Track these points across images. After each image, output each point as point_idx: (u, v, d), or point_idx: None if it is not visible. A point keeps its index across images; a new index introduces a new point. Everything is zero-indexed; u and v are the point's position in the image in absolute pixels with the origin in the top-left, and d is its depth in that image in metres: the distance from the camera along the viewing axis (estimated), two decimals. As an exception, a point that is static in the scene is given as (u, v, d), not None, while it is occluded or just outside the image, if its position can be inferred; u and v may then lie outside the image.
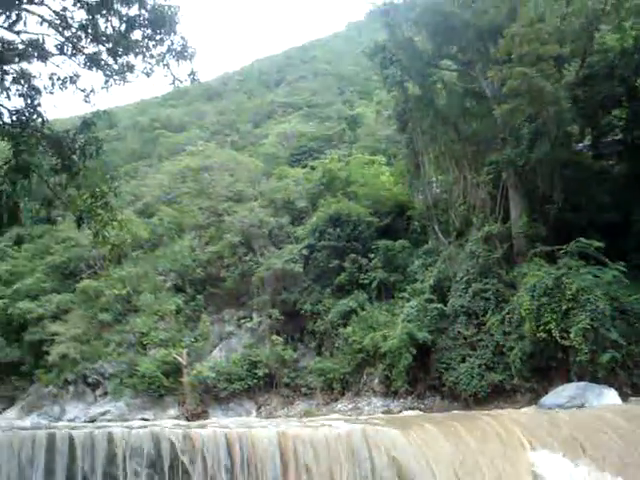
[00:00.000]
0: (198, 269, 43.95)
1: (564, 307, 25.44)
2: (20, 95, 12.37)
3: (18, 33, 12.35)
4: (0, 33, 12.14)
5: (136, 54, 13.03)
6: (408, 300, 33.59)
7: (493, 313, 29.62)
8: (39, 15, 12.40)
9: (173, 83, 13.41)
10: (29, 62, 12.53)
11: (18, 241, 53.37)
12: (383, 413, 30.35)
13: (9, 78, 12.27)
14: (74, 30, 12.71)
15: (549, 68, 28.10)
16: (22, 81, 12.34)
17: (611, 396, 23.13)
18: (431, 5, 33.20)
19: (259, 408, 35.93)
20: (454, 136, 35.44)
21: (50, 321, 43.70)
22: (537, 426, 18.92)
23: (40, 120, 12.32)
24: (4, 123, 12.00)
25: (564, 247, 27.55)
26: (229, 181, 49.43)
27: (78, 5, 12.45)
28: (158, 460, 16.25)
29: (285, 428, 18.26)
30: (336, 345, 35.85)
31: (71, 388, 40.81)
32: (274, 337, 37.50)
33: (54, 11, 12.50)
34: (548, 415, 20.83)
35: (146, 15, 12.67)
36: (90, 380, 40.55)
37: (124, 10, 12.63)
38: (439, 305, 31.66)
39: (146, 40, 12.99)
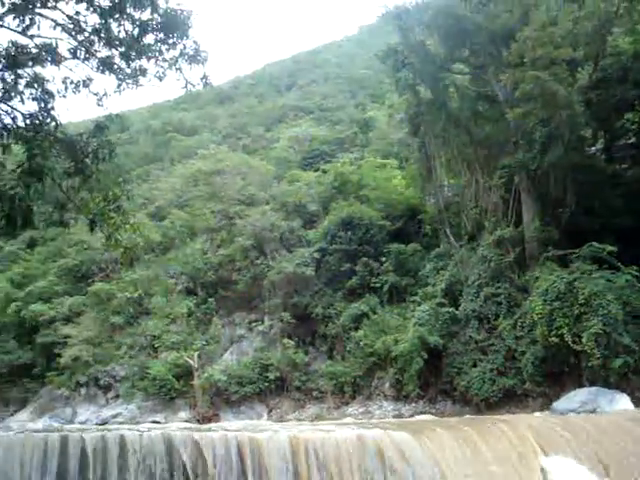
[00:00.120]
0: (210, 272, 44.05)
1: (576, 312, 25.29)
2: (34, 99, 12.42)
3: (32, 37, 12.40)
4: (14, 37, 12.21)
5: (149, 58, 13.05)
6: (419, 304, 33.54)
7: (505, 317, 29.52)
8: (52, 19, 12.45)
9: (185, 87, 13.43)
10: (42, 66, 12.58)
11: (31, 244, 53.90)
12: (394, 417, 30.31)
13: (23, 82, 12.31)
14: (87, 34, 12.75)
15: (562, 72, 27.98)
16: (36, 85, 12.38)
17: (623, 401, 23.01)
18: (443, 8, 33.15)
19: (270, 411, 35.94)
20: (466, 140, 35.34)
21: (62, 324, 43.96)
22: (549, 431, 18.83)
23: (54, 124, 12.36)
24: (18, 127, 12.04)
25: (576, 251, 27.44)
26: (241, 185, 49.51)
27: (91, 9, 12.49)
28: (170, 463, 16.28)
29: (297, 432, 18.23)
30: (347, 349, 35.81)
31: (83, 390, 41.00)
32: (285, 340, 37.50)
33: (67, 15, 12.54)
34: (561, 420, 20.73)
35: (159, 19, 12.69)
36: (102, 383, 40.71)
37: (137, 14, 12.65)
38: (450, 309, 31.61)
39: (159, 44, 13.02)
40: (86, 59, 12.94)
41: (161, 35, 12.84)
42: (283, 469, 16.25)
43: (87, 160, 12.54)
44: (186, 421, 34.45)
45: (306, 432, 18.50)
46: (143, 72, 13.21)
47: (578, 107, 28.28)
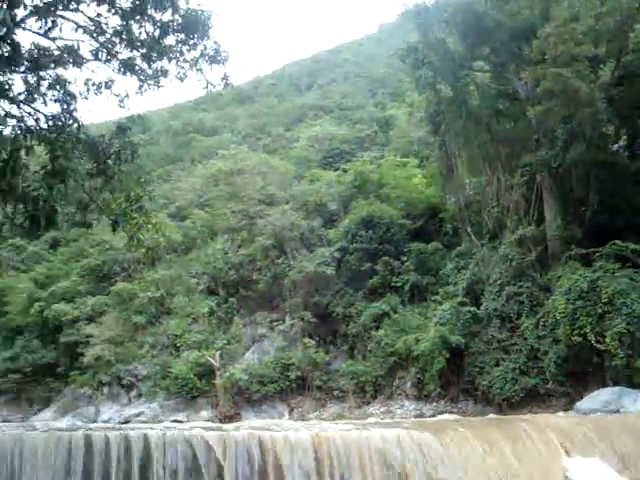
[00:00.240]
0: (231, 272, 44.19)
1: (599, 311, 25.10)
2: (56, 101, 12.51)
3: (53, 39, 12.49)
4: (36, 39, 12.31)
5: (170, 59, 13.12)
6: (441, 303, 33.47)
7: (527, 317, 29.34)
8: (74, 21, 12.53)
9: (206, 87, 13.49)
10: (65, 68, 12.67)
11: (54, 244, 54.43)
12: (415, 417, 30.24)
13: (45, 84, 12.41)
14: (108, 36, 12.83)
15: (584, 68, 27.73)
16: (58, 87, 12.48)
17: (647, 401, 22.77)
18: (463, 6, 32.95)
19: (291, 410, 36.01)
20: (487, 138, 35.11)
21: (85, 323, 44.32)
22: (573, 431, 18.68)
23: (76, 125, 12.44)
24: (41, 128, 12.13)
25: (599, 250, 27.19)
26: (261, 184, 49.60)
27: (112, 11, 12.57)
28: (193, 462, 16.34)
29: (319, 431, 18.22)
30: (368, 348, 35.78)
31: (105, 390, 41.32)
32: (306, 340, 37.53)
33: (89, 17, 12.63)
34: (584, 420, 20.57)
35: (179, 20, 12.75)
36: (124, 382, 41.00)
37: (158, 15, 12.71)
38: (472, 308, 31.50)
39: (179, 45, 13.08)
40: (107, 61, 13.02)
41: (182, 36, 12.91)
42: (304, 469, 16.25)
43: (109, 161, 12.63)
44: (208, 420, 34.58)
45: (328, 431, 18.47)
46: (164, 73, 13.28)
47: (600, 104, 27.98)
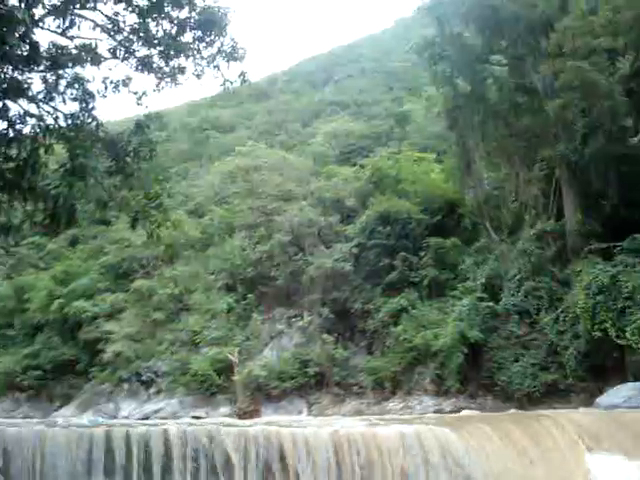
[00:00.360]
0: (249, 268, 44.24)
1: (620, 305, 24.96)
2: (74, 99, 12.59)
3: (72, 38, 12.58)
4: (54, 38, 12.39)
5: (187, 56, 13.17)
6: (459, 299, 33.31)
7: (547, 312, 29.20)
8: (92, 20, 12.62)
9: (224, 84, 13.52)
10: (83, 66, 12.76)
11: (73, 242, 54.78)
12: (435, 412, 30.12)
13: (64, 83, 12.50)
14: (126, 34, 12.90)
15: (602, 61, 27.56)
16: (76, 85, 12.56)
17: (669, 396, 22.56)
18: (480, -1, 32.80)
19: (310, 407, 35.99)
20: (505, 132, 34.88)
21: (104, 320, 44.57)
22: (594, 427, 18.52)
23: (95, 123, 12.53)
24: (60, 127, 12.22)
25: (619, 244, 26.97)
26: (278, 181, 49.56)
27: (130, 9, 12.64)
28: (212, 458, 16.40)
29: (338, 427, 18.22)
30: (387, 344, 35.69)
31: (125, 386, 41.53)
32: (325, 336, 37.49)
33: (106, 16, 12.70)
34: (605, 416, 20.40)
35: (196, 17, 12.79)
36: (144, 378, 41.19)
37: (175, 13, 12.77)
38: (491, 304, 31.34)
39: (197, 42, 13.13)
40: (125, 59, 13.10)
41: (199, 33, 12.96)
42: (325, 464, 16.25)
43: (128, 159, 12.71)
44: (227, 416, 34.66)
45: (348, 428, 18.46)
46: (182, 70, 13.34)
47: (619, 97, 27.78)
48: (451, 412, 29.58)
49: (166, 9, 12.62)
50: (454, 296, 34.52)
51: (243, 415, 34.49)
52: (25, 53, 11.27)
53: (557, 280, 29.90)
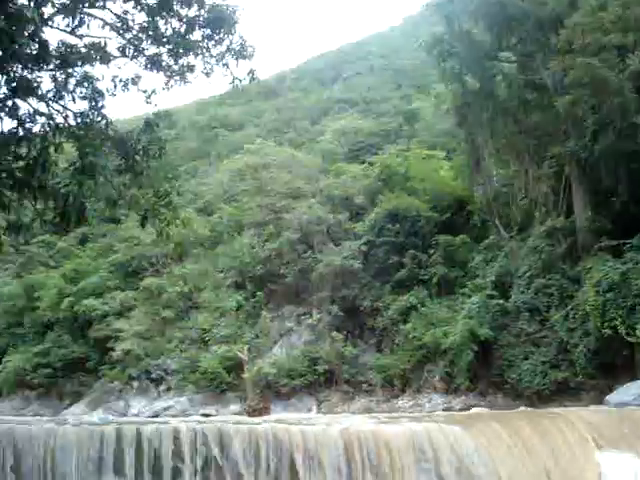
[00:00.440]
0: (258, 266, 44.25)
1: (630, 303, 24.91)
2: (84, 98, 12.60)
3: (81, 37, 12.60)
4: (63, 37, 12.42)
5: (196, 54, 13.17)
6: (469, 296, 33.25)
7: (557, 309, 29.11)
8: (101, 19, 12.63)
9: (233, 82, 13.51)
10: (92, 65, 12.77)
11: (83, 240, 54.87)
12: (444, 410, 30.11)
13: (73, 81, 12.51)
14: (135, 32, 12.91)
15: (612, 58, 27.40)
16: (86, 84, 12.57)
17: (680, 394, 22.47)
18: (489, -5, 32.66)
19: (319, 404, 36.00)
20: (514, 129, 34.76)
21: (114, 318, 44.68)
22: (605, 425, 18.47)
23: (104, 122, 12.54)
24: (70, 125, 12.24)
25: (630, 241, 26.86)
26: (287, 178, 49.52)
27: (138, 8, 12.64)
28: (221, 456, 16.43)
29: (349, 425, 18.23)
30: (396, 341, 35.70)
31: (135, 384, 41.62)
32: (334, 333, 37.48)
33: (115, 14, 12.72)
34: (615, 413, 20.33)
35: (205, 15, 12.79)
36: (154, 376, 41.26)
37: (183, 11, 12.78)
38: (501, 301, 31.30)
39: (205, 40, 13.13)
40: (134, 57, 13.11)
41: (208, 31, 12.96)
42: (335, 461, 16.25)
43: (137, 157, 12.72)
44: (237, 414, 34.73)
45: (358, 426, 18.46)
46: (191, 68, 13.35)
47: (629, 94, 27.59)
48: (461, 410, 29.57)
49: (175, 7, 12.64)
50: (463, 294, 34.48)
51: (253, 413, 34.54)
52: (34, 52, 11.28)
53: (567, 277, 29.79)
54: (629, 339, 24.60)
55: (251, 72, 13.51)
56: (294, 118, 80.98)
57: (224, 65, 13.41)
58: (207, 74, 13.56)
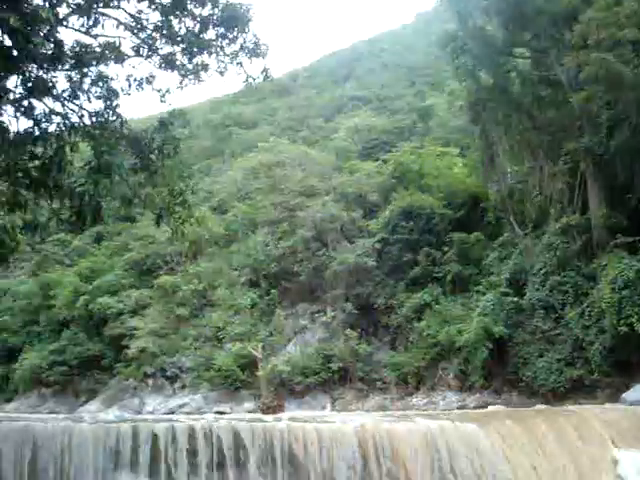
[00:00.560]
0: (272, 264, 44.31)
1: (646, 300, 24.65)
2: (99, 97, 12.68)
3: (95, 37, 12.67)
4: (78, 37, 12.49)
5: (210, 53, 13.20)
6: (483, 294, 33.13)
7: (572, 307, 28.92)
8: (115, 18, 12.70)
9: (246, 81, 13.55)
10: (107, 65, 12.84)
11: (98, 239, 55.22)
12: (459, 408, 30.06)
13: (88, 81, 12.59)
14: (149, 32, 12.97)
15: (627, 53, 27.18)
16: (100, 83, 12.65)
17: (695, 391, 22.34)
18: (502, -8, 32.48)
19: (334, 402, 35.98)
20: (529, 125, 34.56)
21: (129, 316, 44.88)
22: (621, 423, 18.39)
23: (119, 121, 12.62)
24: (85, 125, 12.32)
25: (646, 238, 26.68)
26: (301, 176, 49.55)
27: (153, 7, 12.70)
28: (238, 453, 16.49)
29: (364, 422, 18.23)
30: (410, 339, 35.64)
31: (150, 381, 41.79)
32: (348, 331, 37.43)
33: (129, 14, 12.78)
34: (632, 412, 20.21)
35: (219, 14, 12.82)
36: (169, 373, 41.42)
37: (197, 10, 12.82)
38: (515, 299, 31.16)
39: (219, 39, 13.16)
40: (149, 56, 13.17)
41: (221, 30, 12.99)
42: (350, 458, 16.27)
43: (152, 156, 12.78)
44: (251, 412, 34.81)
45: (373, 423, 18.45)
46: (205, 67, 13.38)
47: (645, 88, 27.41)
48: (475, 408, 29.51)
49: (189, 6, 12.68)
50: (478, 291, 34.36)
51: (267, 410, 34.62)
52: (50, 52, 11.36)
53: (582, 275, 29.60)
54: (645, 336, 24.42)
55: (265, 70, 13.55)
56: (307, 116, 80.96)
57: (238, 64, 13.44)
58: (221, 73, 13.60)
